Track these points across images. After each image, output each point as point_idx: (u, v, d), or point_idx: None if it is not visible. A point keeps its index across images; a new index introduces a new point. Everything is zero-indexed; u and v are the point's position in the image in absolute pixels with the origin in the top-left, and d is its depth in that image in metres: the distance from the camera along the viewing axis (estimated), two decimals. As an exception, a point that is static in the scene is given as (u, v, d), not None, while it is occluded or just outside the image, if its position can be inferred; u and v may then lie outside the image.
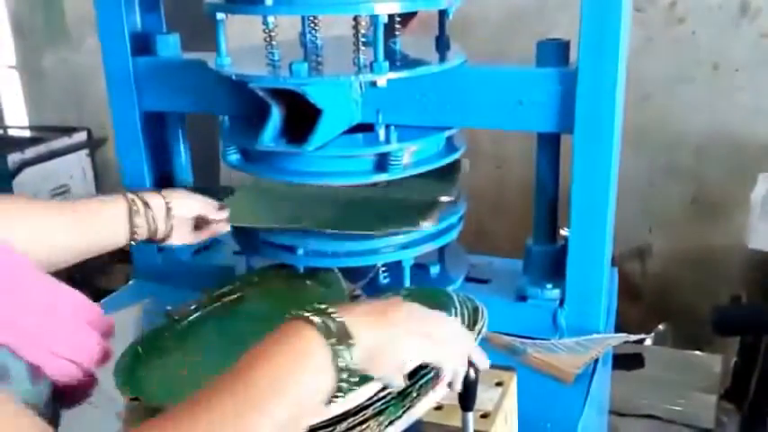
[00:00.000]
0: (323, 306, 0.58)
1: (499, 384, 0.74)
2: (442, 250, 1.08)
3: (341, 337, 0.56)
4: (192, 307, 0.96)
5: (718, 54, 1.90)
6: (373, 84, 0.90)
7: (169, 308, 0.95)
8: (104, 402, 0.78)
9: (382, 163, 0.96)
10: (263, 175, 1.02)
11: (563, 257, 0.97)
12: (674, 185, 2.03)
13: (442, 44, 1.05)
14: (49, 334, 0.58)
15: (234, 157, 1.03)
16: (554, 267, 1.01)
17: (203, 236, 1.01)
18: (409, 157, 0.97)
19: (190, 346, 0.91)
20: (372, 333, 0.58)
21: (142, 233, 0.90)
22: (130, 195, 0.90)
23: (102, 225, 0.87)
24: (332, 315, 0.57)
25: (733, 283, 1.85)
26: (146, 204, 0.90)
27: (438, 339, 0.62)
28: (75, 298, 0.61)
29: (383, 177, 0.96)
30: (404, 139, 0.96)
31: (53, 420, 0.59)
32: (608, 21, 0.87)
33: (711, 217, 2.00)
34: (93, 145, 2.51)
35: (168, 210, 0.94)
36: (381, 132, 0.97)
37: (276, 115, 0.92)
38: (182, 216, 0.96)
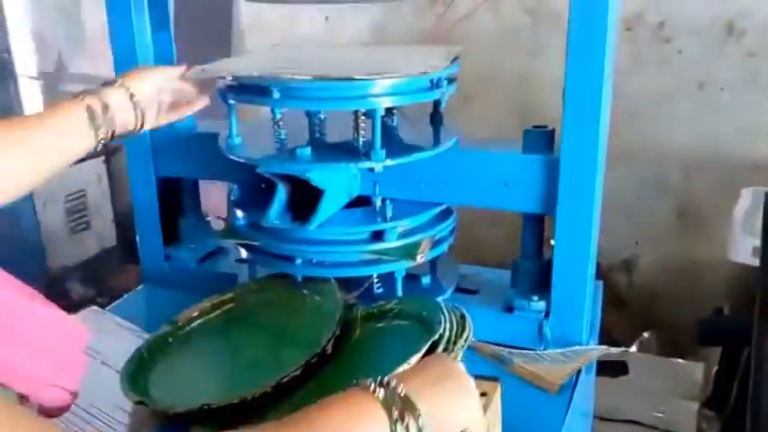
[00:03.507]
0: (386, 379, 0.59)
1: (483, 395, 0.73)
2: (433, 261, 1.10)
3: (403, 410, 0.56)
4: (195, 314, 0.99)
5: (704, 73, 1.90)
6: (371, 168, 0.95)
7: (185, 310, 0.98)
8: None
9: (379, 234, 1.01)
10: (267, 242, 1.03)
11: (549, 272, 0.99)
12: (661, 200, 2.03)
13: (436, 122, 1.08)
14: (36, 366, 0.57)
15: (241, 223, 1.06)
16: (540, 281, 1.04)
17: (181, 112, 0.98)
18: (403, 227, 1.02)
19: (193, 352, 0.94)
20: (432, 406, 0.58)
21: (107, 134, 0.85)
22: (87, 100, 0.83)
23: (64, 142, 0.82)
24: (396, 388, 0.58)
25: (715, 294, 1.85)
26: (105, 107, 0.84)
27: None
28: (57, 321, 0.60)
29: (380, 246, 1.00)
30: (398, 209, 1.01)
31: None
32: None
33: (696, 231, 2.01)
34: (109, 152, 2.55)
35: (131, 96, 0.88)
36: (378, 202, 1.02)
37: (282, 194, 0.97)
38: (147, 97, 0.90)
